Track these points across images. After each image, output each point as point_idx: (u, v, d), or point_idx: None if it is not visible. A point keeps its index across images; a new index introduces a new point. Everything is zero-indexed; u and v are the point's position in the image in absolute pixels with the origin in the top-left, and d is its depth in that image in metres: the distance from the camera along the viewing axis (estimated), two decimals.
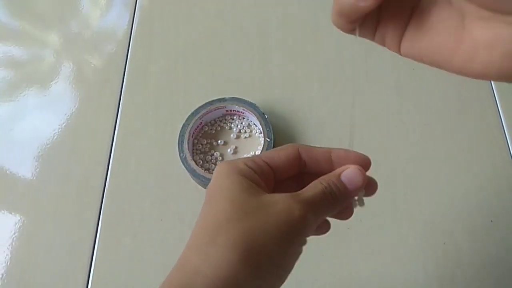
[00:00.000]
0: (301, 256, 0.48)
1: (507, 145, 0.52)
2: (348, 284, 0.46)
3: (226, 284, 0.23)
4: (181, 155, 0.50)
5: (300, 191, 0.27)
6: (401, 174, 0.51)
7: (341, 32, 0.25)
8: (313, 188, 0.27)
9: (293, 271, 0.48)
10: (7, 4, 0.71)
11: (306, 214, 0.25)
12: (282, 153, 0.29)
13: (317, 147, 0.30)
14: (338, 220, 0.50)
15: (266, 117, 0.52)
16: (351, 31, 0.25)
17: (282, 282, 0.26)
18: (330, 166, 0.30)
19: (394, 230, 0.48)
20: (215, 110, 0.54)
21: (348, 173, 0.28)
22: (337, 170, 0.28)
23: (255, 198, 0.25)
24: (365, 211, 0.49)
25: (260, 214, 0.24)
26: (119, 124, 0.58)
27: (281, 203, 0.25)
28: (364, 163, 0.29)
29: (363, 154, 0.29)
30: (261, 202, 0.25)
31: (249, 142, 0.54)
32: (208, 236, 0.25)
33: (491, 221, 0.47)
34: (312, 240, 0.49)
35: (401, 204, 0.49)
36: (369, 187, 0.30)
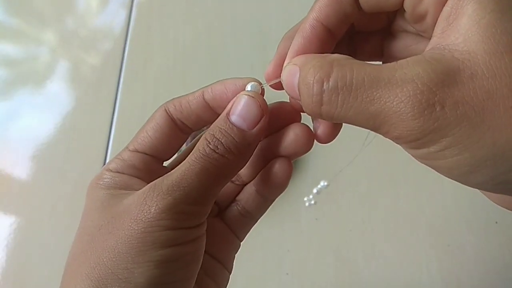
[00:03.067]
0: (303, 258, 0.47)
1: None
2: (350, 286, 0.46)
3: None
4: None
5: (169, 172, 0.20)
6: (404, 174, 0.50)
7: None
8: (184, 162, 0.20)
9: (293, 273, 0.48)
10: (3, 2, 0.71)
11: (165, 209, 0.19)
12: (149, 128, 0.24)
13: (187, 95, 0.23)
14: (339, 222, 0.49)
15: None
16: None
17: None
18: (213, 113, 0.23)
19: (397, 231, 0.48)
20: None
21: (235, 106, 0.21)
22: (222, 115, 0.21)
23: (110, 211, 0.21)
24: (368, 212, 0.49)
25: (112, 229, 0.20)
26: (115, 123, 0.58)
27: (134, 205, 0.19)
28: (259, 97, 0.22)
29: (247, 78, 0.23)
30: (115, 212, 0.20)
31: None
32: (68, 271, 0.22)
33: (496, 222, 0.47)
34: (313, 241, 0.49)
35: (404, 205, 0.49)
36: (281, 112, 0.23)
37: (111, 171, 0.23)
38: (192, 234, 0.20)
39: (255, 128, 0.21)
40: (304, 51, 0.21)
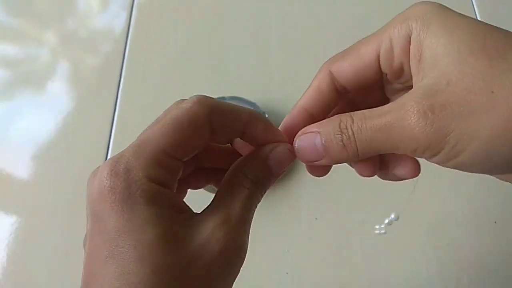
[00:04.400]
0: (303, 258, 0.48)
1: None
2: (350, 286, 0.46)
3: None
4: None
5: (219, 204, 0.22)
6: None
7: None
8: (238, 195, 0.22)
9: (293, 273, 0.48)
10: (3, 2, 0.71)
11: (244, 238, 0.22)
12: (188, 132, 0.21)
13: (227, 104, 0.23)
14: (339, 222, 0.49)
15: (267, 116, 0.51)
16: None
17: None
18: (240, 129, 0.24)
19: (397, 231, 0.48)
20: None
21: (277, 154, 0.24)
22: (261, 153, 0.23)
23: (183, 249, 0.19)
24: (367, 212, 0.49)
25: (203, 274, 0.19)
26: (116, 124, 0.58)
27: (213, 242, 0.20)
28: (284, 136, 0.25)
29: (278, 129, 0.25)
30: (192, 254, 0.19)
31: None
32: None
33: (495, 222, 0.47)
34: (312, 241, 0.49)
35: (403, 205, 0.49)
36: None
37: (148, 179, 0.20)
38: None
39: (279, 174, 0.25)
40: (290, 128, 0.26)
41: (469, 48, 0.19)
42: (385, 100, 0.28)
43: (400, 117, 0.20)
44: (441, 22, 0.20)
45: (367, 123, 0.21)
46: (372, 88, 0.27)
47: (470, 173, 0.52)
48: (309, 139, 0.23)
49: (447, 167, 0.21)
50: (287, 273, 0.47)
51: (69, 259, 0.50)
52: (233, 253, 0.20)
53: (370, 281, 0.46)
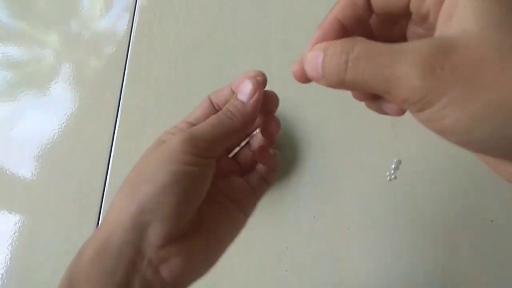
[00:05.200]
0: (302, 256, 0.48)
1: None
2: (348, 284, 0.46)
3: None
4: None
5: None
6: (400, 173, 0.51)
7: None
8: (208, 120, 0.30)
9: (292, 270, 0.48)
10: (7, 4, 0.71)
11: (184, 140, 0.27)
12: (198, 110, 0.33)
13: (223, 88, 0.33)
14: (338, 220, 0.50)
15: None
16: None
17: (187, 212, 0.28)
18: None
19: (394, 230, 0.48)
20: None
21: (240, 87, 0.31)
22: (234, 95, 0.31)
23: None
24: (365, 212, 0.50)
25: (151, 156, 0.29)
26: (119, 125, 0.58)
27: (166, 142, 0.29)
28: (257, 79, 0.31)
29: (254, 71, 0.31)
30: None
31: None
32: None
33: (491, 221, 0.47)
34: (312, 240, 0.49)
35: (401, 204, 0.49)
36: (269, 101, 0.33)
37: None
38: (199, 161, 0.27)
39: (251, 100, 0.30)
40: (322, 40, 0.26)
41: (500, 22, 0.19)
42: (403, 40, 0.27)
43: (407, 61, 0.20)
44: None
45: (369, 56, 0.21)
46: (396, 21, 0.26)
47: (469, 172, 0.52)
48: (314, 56, 0.24)
49: (428, 127, 0.21)
50: (286, 270, 0.47)
51: (72, 258, 0.50)
52: (168, 147, 0.29)
53: (368, 279, 0.46)
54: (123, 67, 0.62)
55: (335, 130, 0.54)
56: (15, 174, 0.56)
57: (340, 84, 0.23)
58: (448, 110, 0.19)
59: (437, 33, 0.22)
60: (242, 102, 0.30)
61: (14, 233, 0.52)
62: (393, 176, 0.50)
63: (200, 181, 0.28)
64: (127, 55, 0.63)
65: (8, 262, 0.51)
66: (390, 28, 0.27)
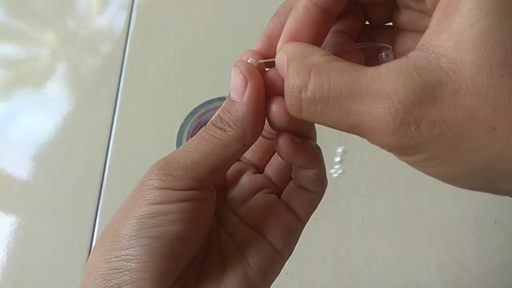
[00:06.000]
0: (303, 258, 0.47)
1: None
2: (350, 286, 0.46)
3: None
4: None
5: None
6: (403, 174, 0.50)
7: None
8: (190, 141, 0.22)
9: (293, 273, 0.48)
10: (3, 3, 0.71)
11: (157, 167, 0.21)
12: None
13: None
14: (339, 221, 0.49)
15: None
16: None
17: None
18: None
19: (397, 231, 0.48)
20: (214, 109, 0.53)
21: (232, 83, 0.22)
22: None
23: None
24: (367, 213, 0.49)
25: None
26: (116, 124, 0.58)
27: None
28: (246, 63, 0.23)
29: (247, 51, 0.25)
30: None
31: None
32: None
33: (495, 222, 0.47)
34: (313, 241, 0.49)
35: (404, 205, 0.49)
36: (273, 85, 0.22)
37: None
38: (176, 196, 0.21)
39: (244, 97, 0.21)
40: (297, 35, 0.21)
41: (504, 58, 0.14)
42: (395, 11, 0.22)
43: (376, 112, 0.16)
44: None
45: (328, 100, 0.17)
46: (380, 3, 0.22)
47: None
48: (282, 60, 0.20)
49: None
50: (287, 273, 0.47)
51: (69, 259, 0.50)
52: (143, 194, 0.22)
53: (369, 281, 0.46)
54: (121, 66, 0.62)
55: (336, 130, 0.54)
56: (11, 174, 0.56)
57: (298, 118, 0.19)
58: (426, 163, 0.16)
59: (427, 33, 0.17)
60: (232, 102, 0.21)
61: (10, 234, 0.52)
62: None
63: (178, 223, 0.20)
64: (124, 54, 0.63)
65: (4, 263, 0.50)
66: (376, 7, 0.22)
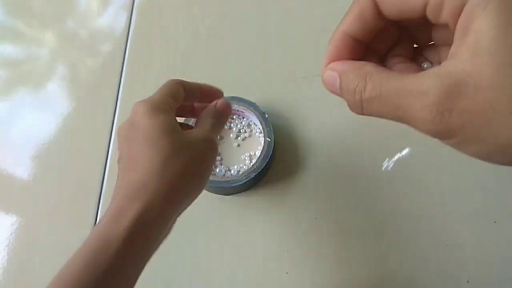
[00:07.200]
0: (303, 258, 0.48)
1: None
2: (350, 285, 0.46)
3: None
4: None
5: (199, 125, 0.37)
6: (402, 174, 0.50)
7: None
8: (206, 121, 0.37)
9: (295, 273, 0.48)
10: (4, 3, 0.71)
11: (213, 137, 0.35)
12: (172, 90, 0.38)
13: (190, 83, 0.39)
14: (339, 221, 0.49)
15: (267, 116, 0.51)
16: None
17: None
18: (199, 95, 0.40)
19: (396, 231, 0.48)
20: None
21: (220, 103, 0.39)
22: (213, 105, 0.39)
23: (182, 135, 0.33)
24: (367, 213, 0.49)
25: (194, 147, 0.33)
26: (116, 124, 0.58)
27: (200, 137, 0.34)
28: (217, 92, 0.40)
29: (214, 88, 0.40)
30: (187, 138, 0.33)
31: (249, 142, 0.53)
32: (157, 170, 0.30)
33: (495, 222, 0.47)
34: (313, 241, 0.49)
35: (403, 205, 0.49)
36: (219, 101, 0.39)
37: (166, 105, 0.36)
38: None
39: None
40: (335, 58, 0.27)
41: (510, 60, 0.19)
42: (427, 39, 0.27)
43: (417, 105, 0.21)
44: (501, 8, 0.19)
45: (381, 98, 0.22)
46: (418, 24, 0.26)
47: (469, 173, 0.52)
48: (331, 77, 0.26)
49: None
50: (287, 273, 0.47)
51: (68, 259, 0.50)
52: (208, 142, 0.34)
53: (370, 281, 0.46)
54: (121, 66, 0.62)
55: (336, 130, 0.54)
56: (12, 174, 0.56)
57: (359, 114, 0.25)
58: (461, 145, 0.21)
59: (452, 47, 0.21)
60: (221, 110, 0.39)
61: (11, 234, 0.52)
62: (389, 166, 0.50)
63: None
64: (124, 54, 0.63)
65: (5, 263, 0.50)
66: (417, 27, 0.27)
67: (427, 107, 0.20)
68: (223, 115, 0.39)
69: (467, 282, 0.45)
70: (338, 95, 0.26)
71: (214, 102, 0.39)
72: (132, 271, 0.28)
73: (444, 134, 0.21)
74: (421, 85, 0.21)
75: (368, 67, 0.24)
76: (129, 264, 0.27)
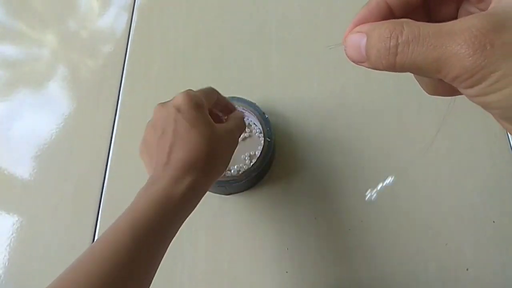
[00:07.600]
0: (303, 257, 0.48)
1: (509, 146, 0.51)
2: (349, 285, 0.46)
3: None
4: None
5: (226, 123, 0.44)
6: (402, 175, 0.50)
7: (344, 34, 0.26)
8: (233, 121, 0.45)
9: (295, 272, 0.48)
10: (5, 3, 0.71)
11: (236, 133, 0.44)
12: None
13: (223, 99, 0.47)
14: (339, 222, 0.50)
15: (267, 116, 0.51)
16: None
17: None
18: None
19: (395, 231, 0.48)
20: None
21: (237, 113, 0.48)
22: (239, 112, 0.49)
23: (216, 128, 0.40)
24: (367, 212, 0.49)
25: (224, 138, 0.41)
26: (117, 124, 0.58)
27: (228, 130, 0.42)
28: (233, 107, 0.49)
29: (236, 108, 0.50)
30: (219, 131, 0.41)
31: (249, 142, 0.53)
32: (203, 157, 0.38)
33: (493, 222, 0.47)
34: (312, 241, 0.49)
35: (403, 204, 0.49)
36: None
37: (205, 101, 0.44)
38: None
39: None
40: (366, 20, 0.26)
41: None
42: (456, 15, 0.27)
43: (458, 41, 0.20)
44: None
45: (419, 39, 0.22)
46: (449, 2, 0.27)
47: (468, 172, 0.52)
48: (356, 39, 0.25)
49: (475, 101, 0.22)
50: (287, 272, 0.47)
51: (70, 259, 0.50)
52: (233, 136, 0.43)
53: (369, 280, 0.46)
54: (122, 67, 0.62)
55: (335, 130, 0.54)
56: (13, 174, 0.56)
57: (388, 67, 0.24)
58: (498, 85, 0.20)
59: (491, 5, 0.22)
60: (239, 117, 0.47)
61: (12, 234, 0.52)
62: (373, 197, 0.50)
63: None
64: (125, 55, 0.63)
65: (6, 263, 0.50)
66: (441, 10, 0.27)
67: (469, 40, 0.20)
68: (244, 123, 0.47)
69: (467, 282, 0.45)
70: (360, 61, 0.25)
71: (239, 111, 0.49)
72: (181, 222, 0.38)
73: (483, 70, 0.20)
74: (464, 23, 0.21)
75: (402, 19, 0.23)
76: (183, 215, 0.37)
